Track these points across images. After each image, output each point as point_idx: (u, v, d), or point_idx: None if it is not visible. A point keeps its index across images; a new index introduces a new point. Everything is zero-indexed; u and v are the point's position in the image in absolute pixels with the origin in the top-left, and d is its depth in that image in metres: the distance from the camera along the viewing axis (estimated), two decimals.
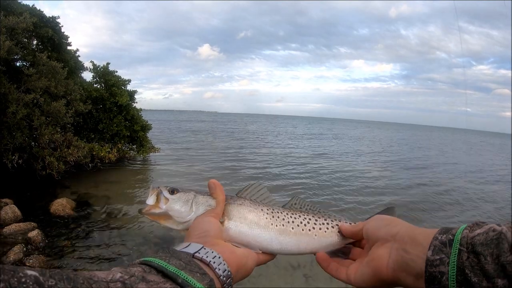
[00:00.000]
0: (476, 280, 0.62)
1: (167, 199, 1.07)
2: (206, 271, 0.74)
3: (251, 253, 1.01)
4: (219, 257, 0.81)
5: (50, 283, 0.47)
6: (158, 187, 1.11)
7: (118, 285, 0.57)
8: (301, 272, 8.41)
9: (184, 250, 0.80)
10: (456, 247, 0.68)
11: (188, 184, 15.49)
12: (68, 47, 15.00)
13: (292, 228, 1.15)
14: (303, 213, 1.21)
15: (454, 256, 0.67)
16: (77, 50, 15.58)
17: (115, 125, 16.28)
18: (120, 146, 16.59)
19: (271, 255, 1.13)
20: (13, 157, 10.63)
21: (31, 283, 0.45)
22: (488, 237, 0.65)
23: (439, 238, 0.72)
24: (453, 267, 0.66)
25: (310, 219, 1.19)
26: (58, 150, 11.74)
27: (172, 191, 1.09)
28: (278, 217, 1.15)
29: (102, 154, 14.64)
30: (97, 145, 14.85)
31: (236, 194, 1.18)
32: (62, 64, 12.70)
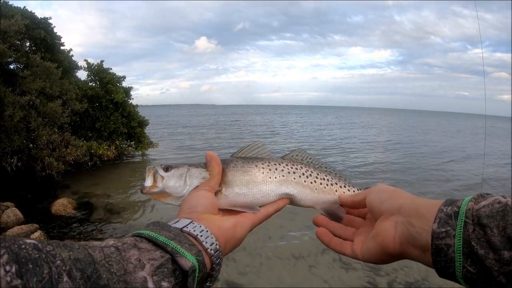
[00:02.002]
0: (483, 253, 0.63)
1: (162, 177, 1.07)
2: (194, 243, 0.76)
3: (239, 222, 0.99)
4: (207, 231, 0.82)
5: (48, 249, 0.52)
6: (154, 167, 1.10)
7: (112, 249, 0.62)
8: (305, 262, 8.52)
9: (173, 225, 0.82)
10: (462, 219, 0.68)
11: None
12: (62, 47, 14.99)
13: (294, 179, 1.14)
14: (305, 166, 1.19)
15: (460, 229, 0.67)
16: (71, 50, 15.56)
17: (112, 122, 16.32)
18: (118, 143, 16.66)
19: (266, 214, 1.11)
20: (12, 160, 10.74)
21: (30, 248, 0.49)
22: (494, 209, 0.65)
23: (444, 210, 0.72)
24: (459, 239, 0.66)
25: (312, 172, 1.18)
26: (57, 150, 11.81)
27: (167, 169, 1.09)
28: (277, 169, 1.14)
29: (100, 152, 14.73)
30: (95, 144, 14.94)
31: (231, 156, 1.16)
32: (56, 64, 12.72)
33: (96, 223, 9.59)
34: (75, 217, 9.86)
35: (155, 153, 20.21)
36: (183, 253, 0.70)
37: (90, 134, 15.89)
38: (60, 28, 15.19)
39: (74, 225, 9.32)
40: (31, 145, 11.73)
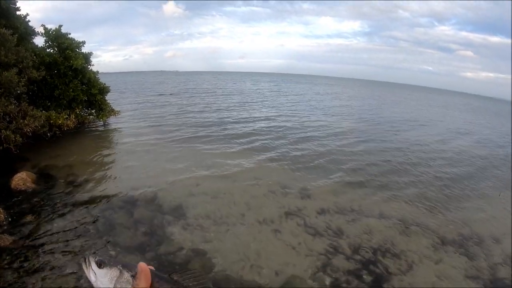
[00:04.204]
0: None
1: (94, 272, 1.10)
2: None
3: None
4: None
5: None
6: (88, 258, 1.13)
7: None
8: (269, 227, 9.11)
9: None
10: None
11: (151, 139, 15.88)
12: (18, 12, 14.13)
13: None
14: None
15: None
16: (27, 15, 14.69)
17: (71, 90, 15.97)
18: (78, 112, 16.47)
19: None
20: None
21: None
22: None
23: None
24: None
25: None
26: (14, 122, 11.57)
27: (100, 264, 1.11)
28: None
29: (60, 122, 14.57)
30: (54, 113, 14.71)
31: (169, 275, 1.16)
32: (11, 31, 12.15)
33: (57, 196, 9.76)
34: (35, 191, 9.95)
35: (117, 121, 20.05)
36: None
37: (49, 104, 15.55)
38: None
39: (35, 199, 9.44)
40: None
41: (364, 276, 7.35)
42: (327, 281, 7.08)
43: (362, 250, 8.31)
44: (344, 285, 7.01)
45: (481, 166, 17.47)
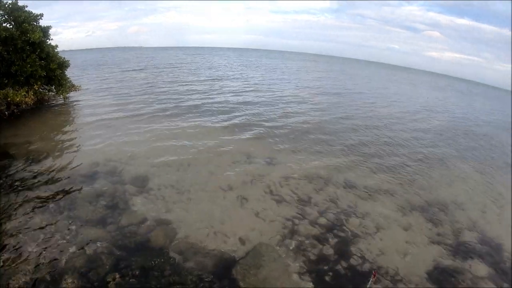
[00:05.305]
0: None
1: None
2: None
3: None
4: None
5: None
6: None
7: None
8: (234, 194, 9.14)
9: None
10: None
11: (113, 113, 15.40)
12: None
13: None
14: None
15: None
16: None
17: (29, 65, 15.15)
18: (37, 88, 15.72)
19: None
20: None
21: None
22: None
23: None
24: None
25: None
26: None
27: None
28: None
29: (18, 99, 13.91)
30: (11, 90, 13.99)
31: None
32: None
33: (17, 174, 9.41)
34: None
35: (78, 97, 19.33)
36: None
37: (6, 81, 14.71)
38: None
39: None
40: None
41: (330, 240, 7.56)
42: (293, 245, 7.24)
43: (328, 215, 8.51)
44: (309, 249, 7.17)
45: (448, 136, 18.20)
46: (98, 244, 6.56)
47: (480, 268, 7.34)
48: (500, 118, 31.76)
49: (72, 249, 6.36)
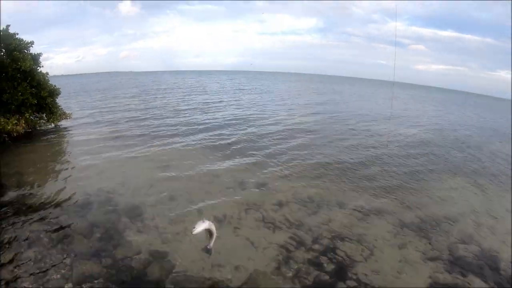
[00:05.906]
0: None
1: None
2: None
3: None
4: None
5: None
6: None
7: None
8: (229, 224, 9.08)
9: None
10: None
11: (105, 141, 15.36)
12: None
13: None
14: None
15: None
16: None
17: (20, 93, 15.19)
18: (28, 116, 15.70)
19: None
20: None
21: None
22: None
23: None
24: None
25: None
26: None
27: None
28: None
29: (9, 128, 13.86)
30: (2, 118, 13.93)
31: None
32: None
33: (8, 205, 9.29)
34: None
35: (69, 124, 19.27)
36: None
37: None
38: None
39: None
40: None
41: (325, 265, 7.55)
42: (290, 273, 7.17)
43: (323, 239, 8.50)
44: (305, 276, 7.13)
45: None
46: (95, 281, 6.47)
47: (477, 281, 7.40)
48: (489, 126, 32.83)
49: (69, 286, 6.26)
